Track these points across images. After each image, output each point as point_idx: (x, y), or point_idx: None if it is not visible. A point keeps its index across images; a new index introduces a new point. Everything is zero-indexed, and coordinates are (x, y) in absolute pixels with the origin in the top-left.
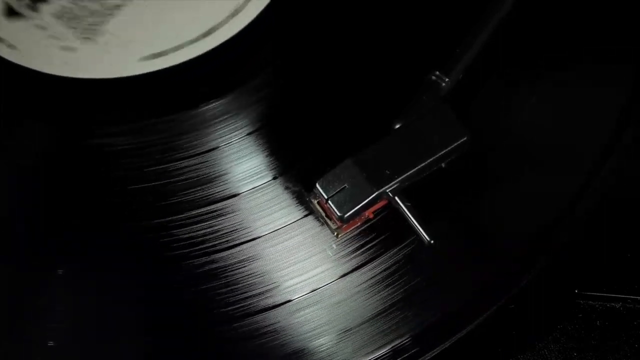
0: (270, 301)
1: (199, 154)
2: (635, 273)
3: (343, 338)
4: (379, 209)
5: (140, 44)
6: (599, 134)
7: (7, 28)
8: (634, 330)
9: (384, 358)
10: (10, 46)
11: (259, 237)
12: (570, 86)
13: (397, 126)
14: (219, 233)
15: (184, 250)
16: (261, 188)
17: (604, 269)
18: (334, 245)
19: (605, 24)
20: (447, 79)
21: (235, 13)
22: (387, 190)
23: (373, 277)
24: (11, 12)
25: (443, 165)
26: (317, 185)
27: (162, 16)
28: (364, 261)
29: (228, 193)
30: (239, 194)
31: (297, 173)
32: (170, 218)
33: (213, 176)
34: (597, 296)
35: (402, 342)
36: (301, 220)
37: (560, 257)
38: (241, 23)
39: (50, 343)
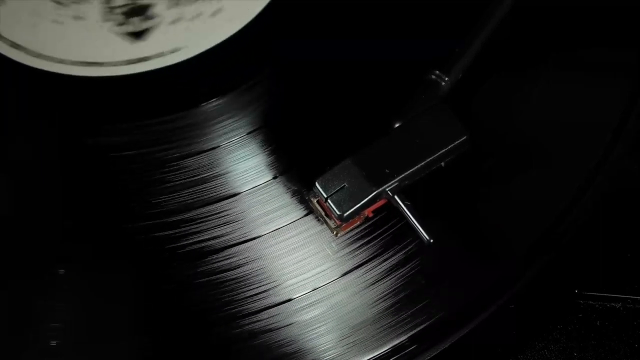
0: (270, 301)
1: (199, 154)
2: (635, 273)
3: (343, 338)
4: (378, 208)
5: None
6: (599, 134)
7: (146, 44)
8: (634, 330)
9: (384, 358)
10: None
11: (259, 237)
12: (570, 85)
13: (397, 125)
14: (219, 233)
15: (184, 250)
16: (261, 188)
17: (604, 269)
18: (333, 245)
19: (605, 23)
20: (446, 78)
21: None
22: (387, 190)
23: (373, 276)
24: (137, 35)
25: (442, 164)
26: (317, 184)
27: None
28: (364, 260)
29: (228, 193)
30: (239, 194)
31: (297, 173)
32: (170, 218)
33: (213, 176)
34: (597, 296)
35: (402, 342)
36: (301, 219)
37: (560, 257)
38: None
39: (52, 343)
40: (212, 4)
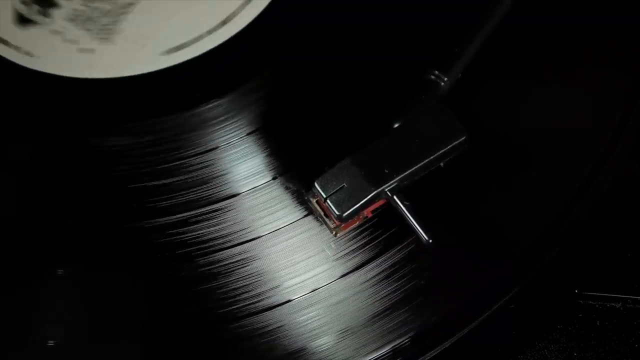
0: (270, 301)
1: (199, 154)
2: (635, 273)
3: (343, 338)
4: (377, 208)
5: (159, 39)
6: (599, 134)
7: (21, 36)
8: (634, 330)
9: (384, 358)
10: (27, 53)
11: (259, 237)
12: (570, 85)
13: (396, 125)
14: (219, 233)
15: (184, 250)
16: (261, 188)
17: (604, 269)
18: (332, 245)
19: (605, 23)
20: (445, 78)
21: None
22: (386, 190)
23: (373, 277)
24: (23, 20)
25: (442, 164)
26: (316, 184)
27: (176, 9)
28: (363, 261)
29: (228, 193)
30: (239, 194)
31: (297, 173)
32: (170, 218)
33: (213, 176)
34: (597, 296)
35: (402, 342)
36: (301, 220)
37: (560, 257)
38: (257, 9)
39: (50, 343)
40: None
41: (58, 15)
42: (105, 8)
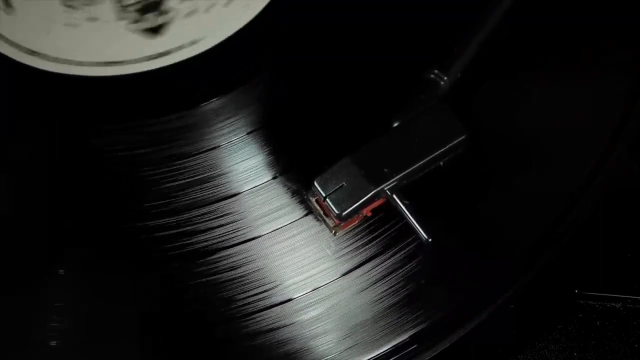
0: (270, 301)
1: (199, 154)
2: (635, 273)
3: (343, 338)
4: (377, 207)
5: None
6: (599, 134)
7: (161, 40)
8: (634, 330)
9: (384, 358)
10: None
11: (259, 237)
12: (570, 85)
13: (396, 124)
14: (219, 233)
15: (184, 250)
16: (261, 187)
17: (604, 269)
18: (332, 244)
19: (605, 23)
20: (445, 78)
21: None
22: (385, 189)
23: (373, 276)
24: (155, 30)
25: (441, 163)
26: (315, 183)
27: None
28: (364, 260)
29: (228, 193)
30: (239, 194)
31: (297, 172)
32: (170, 218)
33: (213, 176)
34: (597, 296)
35: (402, 341)
36: (301, 219)
37: (560, 257)
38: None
39: (52, 343)
40: None
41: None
42: None
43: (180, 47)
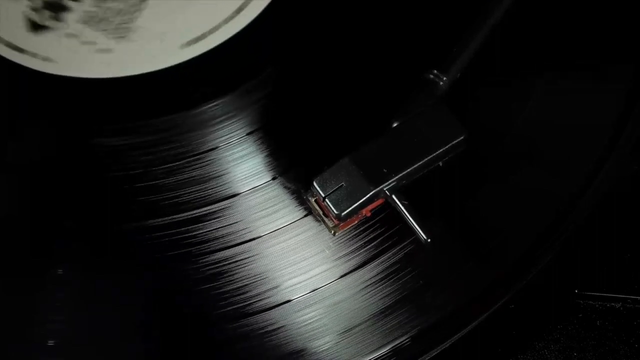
0: (270, 301)
1: (199, 154)
2: (635, 273)
3: (343, 338)
4: (376, 207)
5: (176, 32)
6: (599, 134)
7: (37, 42)
8: (634, 330)
9: (384, 358)
10: (46, 59)
11: (259, 237)
12: (569, 85)
13: (395, 125)
14: (218, 233)
15: (184, 250)
16: (261, 188)
17: (604, 269)
18: (331, 244)
19: (605, 23)
20: (444, 78)
21: None
22: (384, 189)
23: (373, 276)
24: (36, 27)
25: (440, 164)
26: (314, 183)
27: (189, 1)
28: (363, 261)
29: (228, 193)
30: (239, 194)
31: (297, 173)
32: (170, 218)
33: (213, 176)
34: (597, 296)
35: (402, 342)
36: (301, 220)
37: (560, 257)
38: None
39: (50, 342)
40: None
41: (71, 18)
42: (117, 7)
43: (180, 48)
